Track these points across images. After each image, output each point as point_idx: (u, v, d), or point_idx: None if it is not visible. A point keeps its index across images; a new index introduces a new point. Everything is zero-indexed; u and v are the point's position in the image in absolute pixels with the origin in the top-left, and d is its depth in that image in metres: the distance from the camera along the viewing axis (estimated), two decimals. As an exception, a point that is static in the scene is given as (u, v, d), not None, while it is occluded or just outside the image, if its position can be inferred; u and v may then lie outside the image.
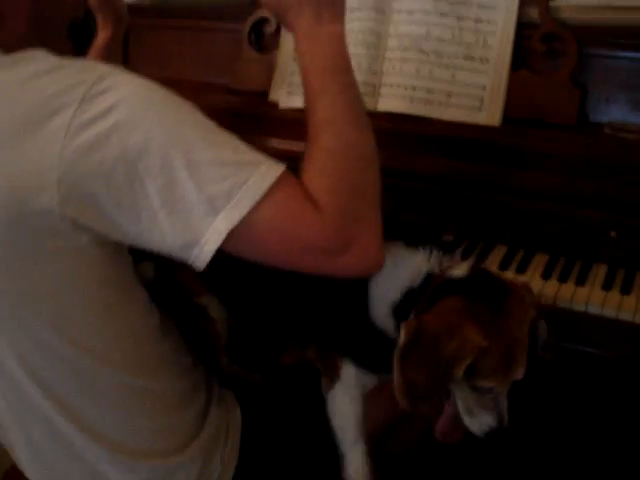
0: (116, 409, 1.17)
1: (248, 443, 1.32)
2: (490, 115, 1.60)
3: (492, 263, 1.54)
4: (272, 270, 1.04)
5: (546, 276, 1.49)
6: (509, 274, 1.50)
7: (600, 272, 1.50)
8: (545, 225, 1.56)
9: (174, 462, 1.22)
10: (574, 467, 1.83)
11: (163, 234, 0.97)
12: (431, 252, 1.18)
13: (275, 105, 1.79)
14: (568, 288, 1.45)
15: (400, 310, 1.15)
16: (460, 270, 1.15)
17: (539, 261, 1.54)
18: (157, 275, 1.41)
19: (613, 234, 1.49)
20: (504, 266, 1.53)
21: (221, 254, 0.98)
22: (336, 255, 1.02)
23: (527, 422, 1.64)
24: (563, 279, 1.48)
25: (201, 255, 0.97)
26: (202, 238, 0.96)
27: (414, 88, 1.63)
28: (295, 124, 1.69)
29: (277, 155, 1.67)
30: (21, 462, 1.27)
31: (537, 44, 1.61)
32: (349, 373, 1.23)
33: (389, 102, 1.66)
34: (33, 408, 1.14)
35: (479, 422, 1.11)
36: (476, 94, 1.61)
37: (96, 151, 0.92)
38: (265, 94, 1.85)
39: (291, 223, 0.99)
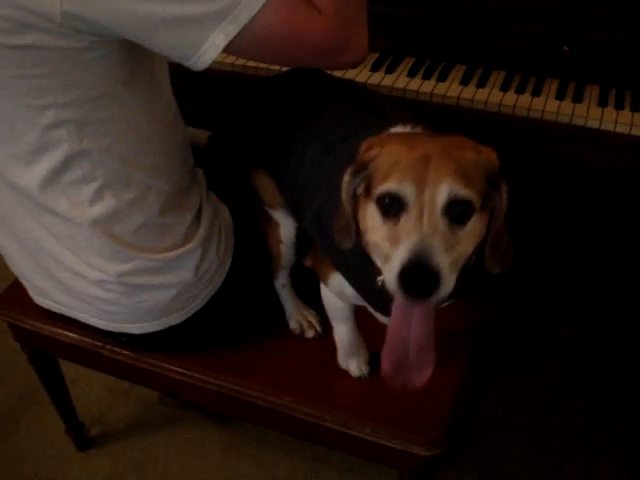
0: (129, 210, 1.26)
1: (240, 243, 1.44)
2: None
3: (453, 80, 1.63)
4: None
5: (504, 89, 1.59)
6: (470, 89, 1.60)
7: (553, 85, 1.61)
8: (501, 42, 1.65)
9: (176, 255, 1.31)
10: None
11: (160, 45, 1.07)
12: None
13: None
14: (525, 99, 1.57)
15: None
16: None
17: (497, 77, 1.64)
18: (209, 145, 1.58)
19: (566, 48, 1.59)
20: (465, 82, 1.62)
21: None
22: (337, 54, 1.13)
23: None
24: (520, 91, 1.59)
25: (197, 64, 1.08)
26: (198, 51, 1.05)
27: None
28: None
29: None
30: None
31: None
32: (336, 281, 1.25)
33: None
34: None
35: (391, 264, 0.89)
36: None
37: None
38: None
39: (298, 28, 1.07)
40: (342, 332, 1.37)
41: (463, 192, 0.90)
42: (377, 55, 1.72)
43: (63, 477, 1.93)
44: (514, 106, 1.55)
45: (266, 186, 1.42)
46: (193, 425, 2.02)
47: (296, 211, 1.35)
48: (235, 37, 1.03)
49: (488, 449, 1.90)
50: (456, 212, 0.90)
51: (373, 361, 1.38)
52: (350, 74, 1.65)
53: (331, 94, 1.35)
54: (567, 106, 1.54)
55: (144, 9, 1.01)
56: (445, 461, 1.85)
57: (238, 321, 1.50)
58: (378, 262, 0.97)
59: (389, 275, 0.89)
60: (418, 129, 1.12)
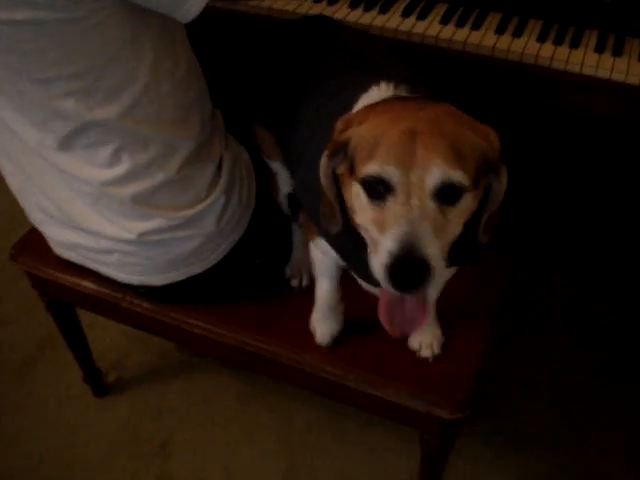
0: (148, 170, 1.22)
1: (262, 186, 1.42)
2: None
3: (488, 28, 1.56)
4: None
5: (541, 39, 1.52)
6: (506, 38, 1.53)
7: (592, 37, 1.54)
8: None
9: (198, 210, 1.28)
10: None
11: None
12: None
13: None
14: (563, 50, 1.50)
15: None
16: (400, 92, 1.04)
17: (534, 26, 1.57)
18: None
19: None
20: (500, 31, 1.55)
21: None
22: None
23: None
24: (558, 42, 1.51)
25: (185, 17, 1.09)
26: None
27: None
28: None
29: None
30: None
31: None
32: (322, 244, 1.19)
33: None
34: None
35: (378, 254, 0.86)
36: None
37: None
38: None
39: None
40: (323, 289, 1.32)
41: (455, 174, 0.84)
42: (408, 1, 1.65)
43: (81, 422, 1.94)
44: (551, 58, 1.48)
45: (264, 136, 1.38)
46: (210, 374, 2.02)
47: (291, 171, 1.32)
48: None
49: (510, 408, 1.89)
50: (446, 193, 0.85)
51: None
52: (378, 21, 1.58)
53: (333, 45, 1.29)
54: (607, 60, 1.47)
55: None
56: (467, 421, 1.84)
57: (260, 270, 1.47)
58: (368, 243, 0.93)
59: (377, 266, 0.85)
60: (401, 89, 1.03)
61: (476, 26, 1.56)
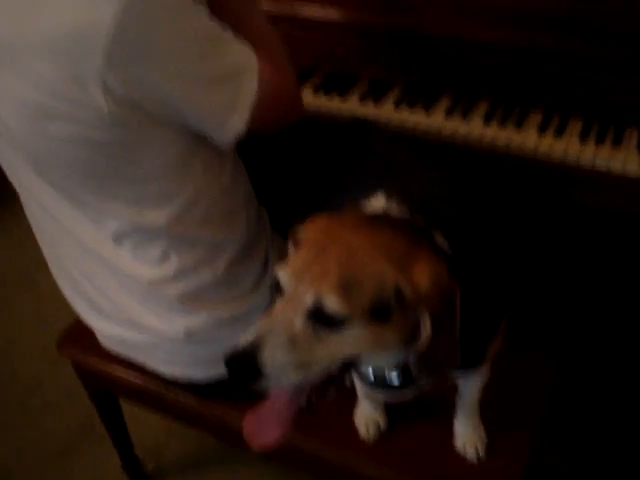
0: (195, 269, 1.24)
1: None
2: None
3: (530, 126, 1.58)
4: None
5: (583, 138, 1.54)
6: (548, 138, 1.55)
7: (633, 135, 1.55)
8: (579, 91, 1.59)
9: (244, 308, 1.30)
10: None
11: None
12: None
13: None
14: (605, 149, 1.51)
15: None
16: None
17: (574, 125, 1.59)
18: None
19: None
20: (543, 129, 1.57)
21: None
22: (299, 105, 1.27)
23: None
24: (600, 141, 1.53)
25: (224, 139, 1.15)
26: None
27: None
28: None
29: (313, 23, 1.69)
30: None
31: None
32: None
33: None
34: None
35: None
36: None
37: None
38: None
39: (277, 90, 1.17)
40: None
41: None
42: (449, 103, 1.69)
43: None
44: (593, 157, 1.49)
45: None
46: (251, 467, 1.99)
47: None
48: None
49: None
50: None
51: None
52: (422, 120, 1.62)
53: (368, 153, 1.35)
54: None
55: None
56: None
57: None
58: None
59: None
60: (392, 205, 1.03)
61: (518, 125, 1.58)
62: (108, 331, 1.40)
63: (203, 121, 1.11)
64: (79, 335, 1.58)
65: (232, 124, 1.11)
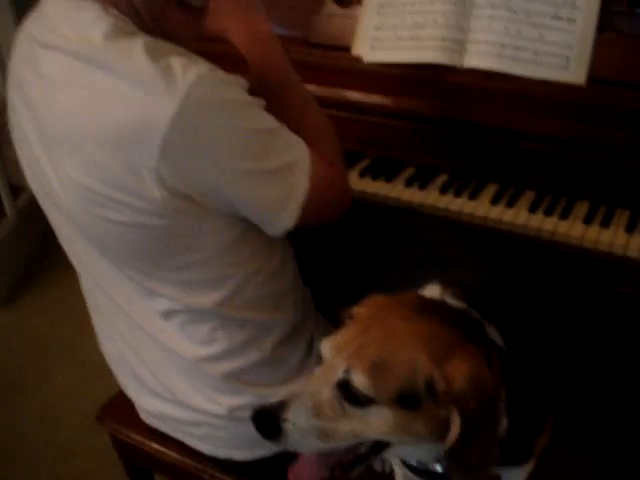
0: (242, 349, 1.26)
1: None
2: (576, 74, 1.63)
3: (576, 216, 1.59)
4: None
5: (629, 229, 1.54)
6: (593, 228, 1.55)
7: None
8: (626, 182, 1.60)
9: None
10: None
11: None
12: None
13: (358, 59, 1.82)
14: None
15: None
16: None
17: (621, 215, 1.59)
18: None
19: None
20: (589, 219, 1.58)
21: None
22: (347, 200, 1.29)
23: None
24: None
25: (274, 233, 1.18)
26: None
27: (502, 45, 1.67)
28: (380, 77, 1.75)
29: (364, 108, 1.73)
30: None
31: (624, 7, 1.64)
32: None
33: (476, 59, 1.69)
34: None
35: None
36: (563, 53, 1.64)
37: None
38: (345, 49, 1.87)
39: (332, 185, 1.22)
40: (399, 474, 1.29)
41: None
42: (495, 191, 1.71)
43: None
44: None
45: None
46: None
47: None
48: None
49: None
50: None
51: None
52: (468, 207, 1.64)
53: (414, 239, 1.37)
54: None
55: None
56: None
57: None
58: None
59: None
60: (448, 295, 1.05)
61: (565, 215, 1.59)
62: (150, 405, 1.41)
63: (254, 214, 1.14)
64: (119, 407, 1.59)
65: (283, 220, 1.14)
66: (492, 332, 0.97)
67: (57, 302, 2.90)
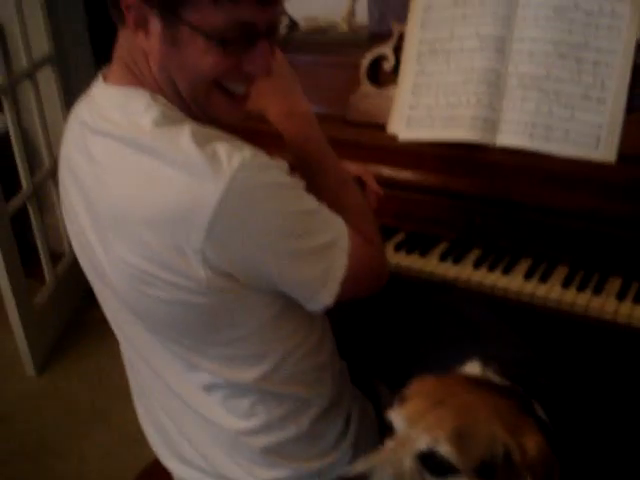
0: (281, 423, 1.29)
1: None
2: (606, 152, 1.67)
3: (609, 292, 1.61)
4: None
5: None
6: (626, 304, 1.57)
7: None
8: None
9: (324, 465, 1.31)
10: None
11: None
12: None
13: (393, 137, 1.89)
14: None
15: None
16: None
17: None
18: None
19: None
20: (622, 295, 1.59)
21: None
22: (384, 275, 1.32)
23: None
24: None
25: (314, 309, 1.21)
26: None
27: (534, 125, 1.72)
28: (415, 155, 1.80)
29: (399, 184, 1.78)
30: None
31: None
32: None
33: (508, 137, 1.75)
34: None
35: None
36: (593, 132, 1.69)
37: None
38: (380, 127, 1.94)
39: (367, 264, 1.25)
40: None
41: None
42: (528, 266, 1.74)
43: None
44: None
45: (385, 393, 1.44)
46: None
47: None
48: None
49: None
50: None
51: None
52: (501, 282, 1.66)
53: (453, 315, 1.39)
54: None
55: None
56: None
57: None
58: None
59: None
60: (490, 371, 1.09)
61: (598, 290, 1.61)
62: (187, 476, 1.42)
63: (294, 291, 1.18)
64: (154, 476, 1.60)
65: (321, 297, 1.18)
66: (538, 408, 0.99)
67: (93, 368, 2.95)
